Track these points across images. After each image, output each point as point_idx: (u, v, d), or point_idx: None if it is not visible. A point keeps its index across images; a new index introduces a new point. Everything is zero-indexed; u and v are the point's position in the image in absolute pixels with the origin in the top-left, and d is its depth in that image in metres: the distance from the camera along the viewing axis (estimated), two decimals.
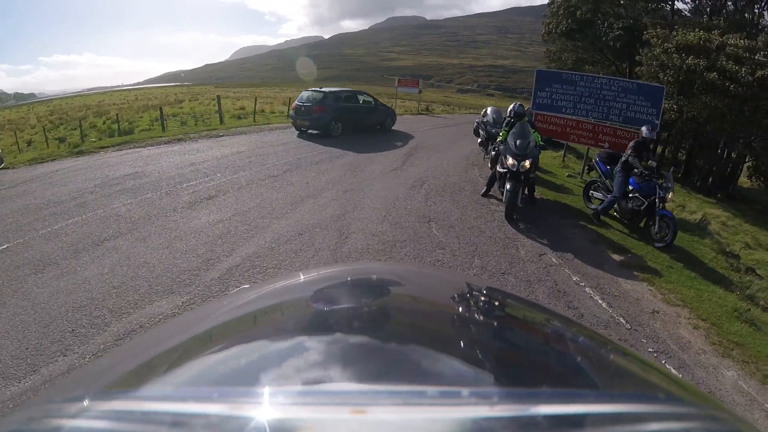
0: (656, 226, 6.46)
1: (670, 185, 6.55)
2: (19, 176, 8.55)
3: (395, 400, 0.49)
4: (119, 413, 0.52)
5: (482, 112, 11.04)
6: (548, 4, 23.32)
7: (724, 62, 13.45)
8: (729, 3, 18.82)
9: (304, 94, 13.77)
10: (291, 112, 13.65)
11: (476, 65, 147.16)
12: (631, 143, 6.95)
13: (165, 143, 11.63)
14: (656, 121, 9.04)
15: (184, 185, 7.40)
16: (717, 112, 13.74)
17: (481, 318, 0.90)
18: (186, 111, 20.98)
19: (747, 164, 20.28)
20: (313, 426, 0.45)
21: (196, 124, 16.10)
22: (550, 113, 10.08)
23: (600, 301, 4.58)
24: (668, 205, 6.89)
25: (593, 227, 6.97)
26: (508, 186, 6.49)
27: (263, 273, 4.44)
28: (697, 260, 6.36)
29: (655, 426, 0.51)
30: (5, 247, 5.00)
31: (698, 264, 6.21)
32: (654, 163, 6.82)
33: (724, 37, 14.22)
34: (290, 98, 23.95)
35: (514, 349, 0.78)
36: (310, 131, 13.45)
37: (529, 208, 7.28)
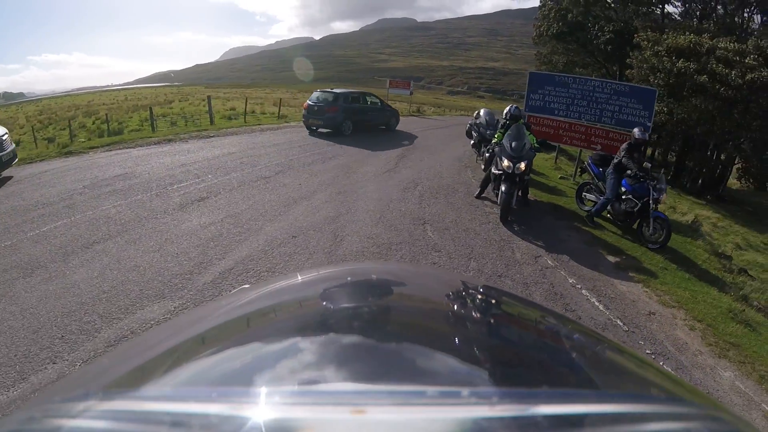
0: (650, 228, 6.48)
1: (663, 187, 6.58)
2: (7, 177, 8.37)
3: (395, 400, 0.49)
4: (119, 413, 0.52)
5: (475, 114, 11.07)
6: (539, 7, 23.51)
7: (714, 65, 13.60)
8: (719, 7, 19.07)
9: (316, 94, 14.29)
10: (303, 111, 14.27)
11: (466, 67, 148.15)
12: (624, 145, 6.97)
13: (155, 144, 11.46)
14: (648, 124, 9.11)
15: (175, 186, 7.29)
16: (707, 115, 13.88)
17: (481, 318, 0.91)
18: (176, 111, 20.72)
19: (737, 166, 20.56)
20: (312, 426, 0.45)
21: (186, 125, 15.90)
22: (543, 115, 10.13)
23: (597, 304, 4.58)
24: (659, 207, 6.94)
25: (587, 229, 6.98)
26: (503, 188, 6.47)
27: (257, 277, 4.37)
28: (691, 261, 6.40)
29: (655, 426, 0.50)
30: None
31: (692, 265, 6.24)
32: (649, 165, 6.84)
33: (714, 41, 14.39)
34: (281, 99, 23.86)
35: (514, 349, 0.78)
36: (320, 130, 14.09)
37: (522, 209, 7.27)
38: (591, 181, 7.85)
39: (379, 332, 0.77)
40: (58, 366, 2.95)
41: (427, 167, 10.05)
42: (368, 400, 0.48)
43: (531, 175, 8.91)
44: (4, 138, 7.92)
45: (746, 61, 13.39)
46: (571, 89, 9.86)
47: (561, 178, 10.69)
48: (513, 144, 6.57)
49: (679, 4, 20.33)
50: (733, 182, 22.48)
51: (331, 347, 0.67)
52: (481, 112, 10.62)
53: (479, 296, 1.07)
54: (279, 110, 20.24)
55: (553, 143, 10.86)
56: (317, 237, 5.47)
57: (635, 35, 16.51)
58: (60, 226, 5.49)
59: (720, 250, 7.87)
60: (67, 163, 9.11)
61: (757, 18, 18.64)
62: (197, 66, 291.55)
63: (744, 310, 5.04)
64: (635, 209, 6.71)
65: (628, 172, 6.76)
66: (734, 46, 13.91)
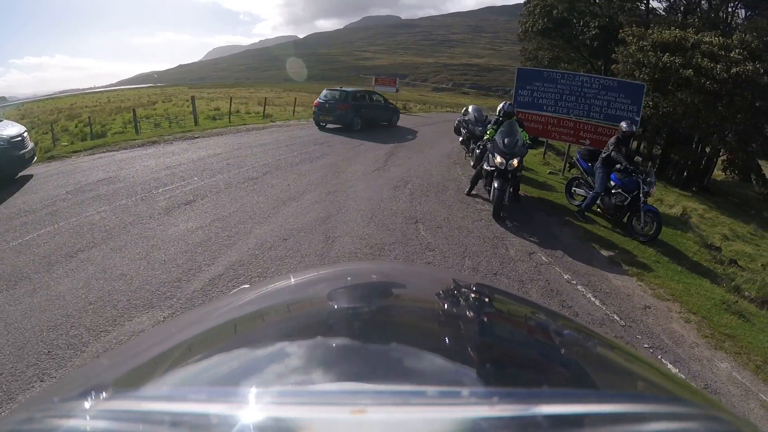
0: (641, 221, 6.51)
1: (652, 180, 6.62)
2: (28, 175, 8.12)
3: (395, 400, 0.49)
4: (119, 413, 0.51)
5: (463, 111, 11.04)
6: (524, 3, 23.60)
7: (699, 59, 13.77)
8: (703, 2, 19.32)
9: (326, 92, 15.16)
10: (314, 108, 15.11)
11: (451, 64, 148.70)
12: (612, 139, 7.00)
13: (139, 146, 11.22)
14: (637, 118, 9.14)
15: (160, 190, 7.12)
16: (692, 108, 14.07)
17: (479, 318, 0.90)
18: (159, 113, 20.32)
19: (722, 158, 20.88)
20: (312, 426, 0.45)
21: (170, 126, 15.60)
22: (532, 111, 10.13)
23: (593, 299, 4.56)
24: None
25: (579, 224, 6.99)
26: (495, 184, 6.44)
27: (248, 282, 4.26)
28: (682, 254, 6.44)
29: (654, 426, 0.50)
30: None
31: (683, 258, 6.29)
32: (640, 158, 6.88)
33: (699, 35, 14.54)
34: (266, 98, 23.57)
35: (513, 348, 0.78)
36: (330, 125, 15.04)
37: (513, 205, 7.25)
38: (580, 176, 7.89)
39: (379, 332, 0.77)
40: (45, 384, 2.82)
41: (417, 165, 10.00)
42: (368, 400, 0.48)
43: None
44: (24, 135, 7.91)
45: (731, 55, 13.58)
46: (560, 85, 9.88)
47: (550, 173, 10.73)
48: (506, 140, 6.54)
49: None
50: (717, 174, 22.84)
51: (330, 347, 0.67)
52: (470, 108, 10.58)
53: (477, 295, 1.06)
54: (264, 109, 20.03)
55: (541, 139, 10.89)
56: (308, 239, 5.37)
57: (620, 31, 16.66)
58: (43, 234, 5.31)
59: (709, 242, 7.94)
60: (49, 168, 8.86)
61: (741, 12, 18.95)
62: (180, 66, 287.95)
63: (737, 301, 5.08)
64: (625, 203, 6.75)
65: (618, 166, 6.79)
66: (719, 41, 14.09)
